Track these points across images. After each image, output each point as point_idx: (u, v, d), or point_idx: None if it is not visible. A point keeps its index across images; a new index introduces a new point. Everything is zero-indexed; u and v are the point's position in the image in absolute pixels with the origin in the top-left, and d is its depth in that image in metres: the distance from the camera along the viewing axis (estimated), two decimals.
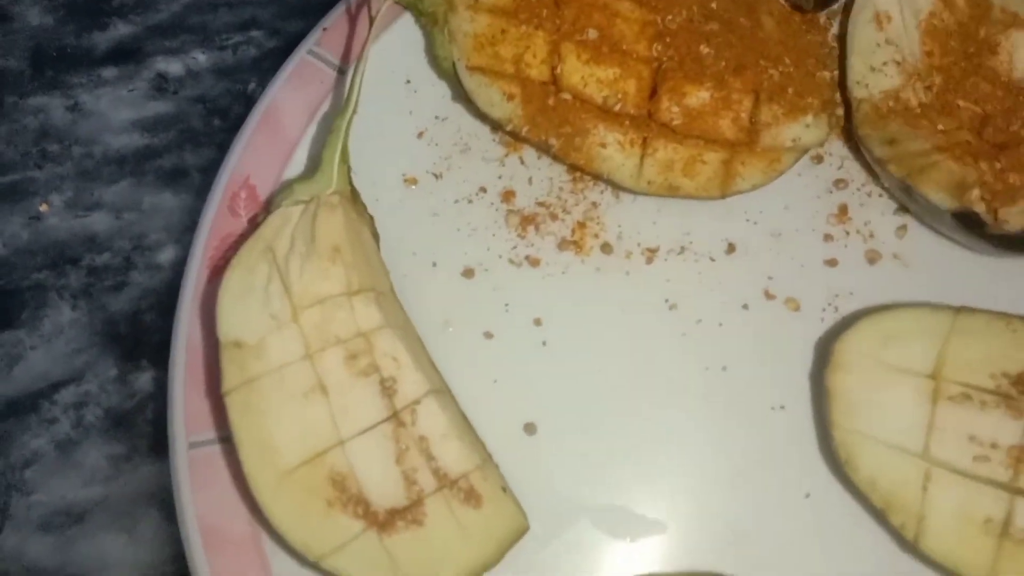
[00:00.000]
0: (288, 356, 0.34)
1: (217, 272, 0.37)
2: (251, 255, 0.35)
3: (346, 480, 0.34)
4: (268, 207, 0.37)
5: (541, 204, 0.41)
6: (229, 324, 0.34)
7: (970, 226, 0.36)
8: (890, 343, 0.35)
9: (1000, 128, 0.37)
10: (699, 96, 0.38)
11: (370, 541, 0.34)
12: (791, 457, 0.38)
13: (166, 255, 0.43)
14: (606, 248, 0.41)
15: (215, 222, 0.38)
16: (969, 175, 0.36)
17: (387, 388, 0.35)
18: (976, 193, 0.35)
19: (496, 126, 0.41)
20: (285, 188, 0.37)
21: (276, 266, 0.35)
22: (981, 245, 0.37)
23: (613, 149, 0.38)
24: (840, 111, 0.40)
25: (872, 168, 0.40)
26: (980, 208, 0.35)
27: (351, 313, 0.35)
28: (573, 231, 0.41)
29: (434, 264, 0.40)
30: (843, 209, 0.41)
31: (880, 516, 0.35)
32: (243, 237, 0.37)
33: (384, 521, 0.34)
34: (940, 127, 0.38)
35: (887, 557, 0.36)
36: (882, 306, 0.37)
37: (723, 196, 0.39)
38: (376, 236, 0.39)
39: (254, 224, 0.38)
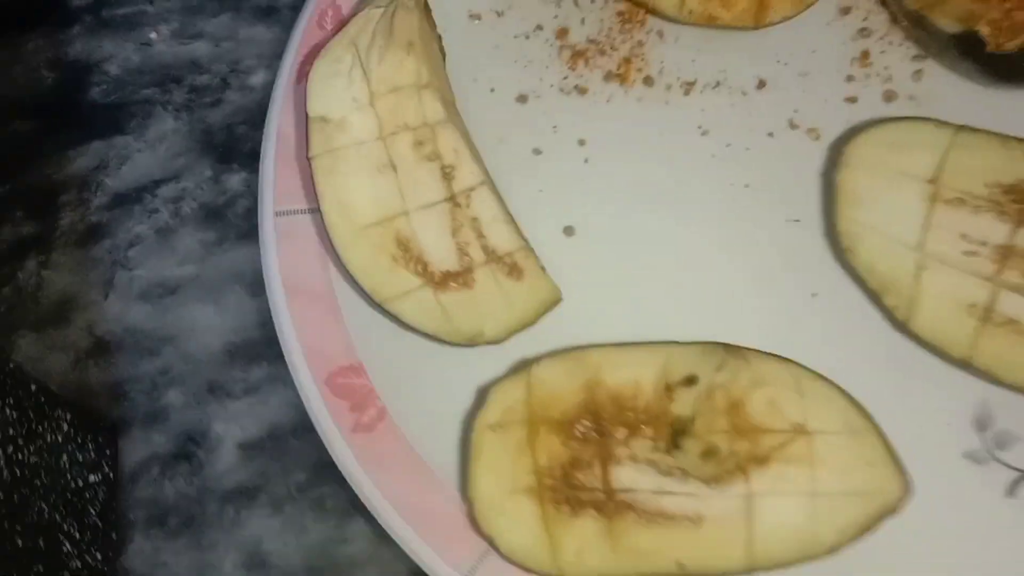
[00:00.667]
0: (365, 135, 0.40)
1: (305, 75, 0.42)
2: (338, 47, 0.40)
3: (409, 243, 0.39)
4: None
5: (591, 41, 0.46)
6: (317, 101, 0.39)
7: (972, 49, 0.40)
8: (896, 149, 0.39)
9: None
10: None
11: (426, 294, 0.39)
12: (801, 263, 0.42)
13: (258, 78, 0.49)
14: (648, 81, 0.45)
15: (305, 34, 0.44)
16: (979, 10, 0.40)
17: (447, 174, 0.41)
18: (983, 23, 0.39)
19: None
20: (366, 1, 0.43)
21: (358, 56, 0.40)
22: (983, 73, 0.41)
23: None
24: None
25: (895, 16, 0.44)
26: (985, 33, 0.39)
27: (420, 105, 0.41)
28: (619, 65, 0.46)
29: (492, 90, 0.46)
30: (865, 54, 0.45)
31: (876, 298, 0.39)
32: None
33: (439, 280, 0.39)
34: None
35: (881, 336, 0.40)
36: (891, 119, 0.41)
37: (756, 26, 0.43)
38: (443, 53, 0.44)
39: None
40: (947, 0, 0.40)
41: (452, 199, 0.40)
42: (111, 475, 0.41)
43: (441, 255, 0.40)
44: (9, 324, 0.44)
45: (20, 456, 0.36)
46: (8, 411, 0.35)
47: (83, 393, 0.43)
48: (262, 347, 0.44)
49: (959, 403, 0.39)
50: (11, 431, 0.35)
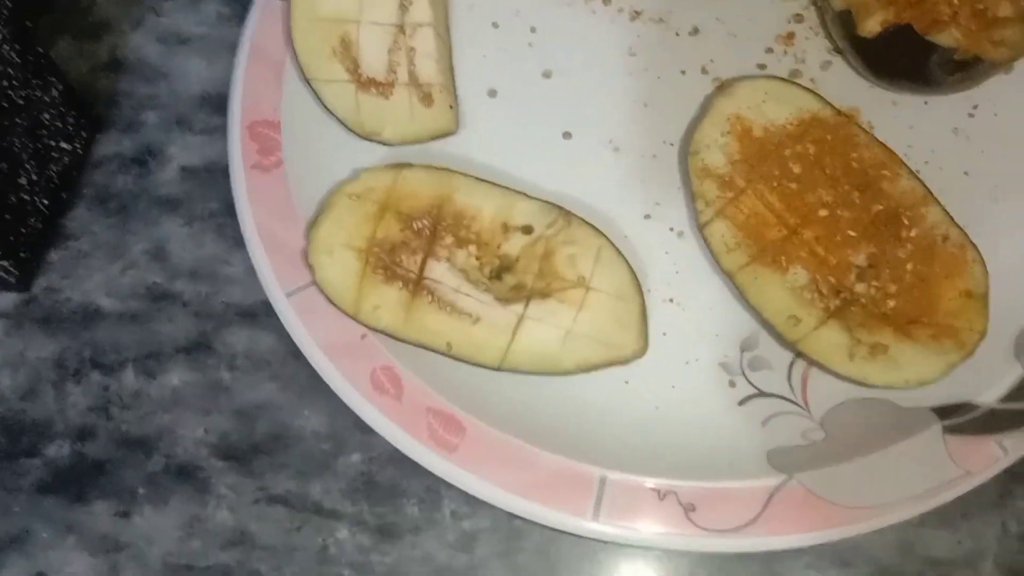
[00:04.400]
0: None
1: None
2: None
3: (351, 45, 0.49)
4: None
5: None
6: None
7: (850, 29, 0.46)
8: (770, 99, 0.46)
9: None
10: None
11: (348, 89, 0.48)
12: (655, 175, 0.49)
13: None
14: (606, 0, 0.53)
15: None
16: (872, 5, 0.46)
17: (404, 5, 0.49)
18: (867, 13, 0.46)
19: None
20: None
21: None
22: (864, 65, 0.48)
23: None
24: None
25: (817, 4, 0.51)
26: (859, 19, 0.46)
27: None
28: None
29: None
30: (790, 36, 0.52)
31: (691, 201, 0.46)
32: None
33: (363, 82, 0.48)
34: None
35: (695, 241, 0.47)
36: None
37: None
38: None
39: None
40: (871, 5, 0.47)
41: (400, 27, 0.49)
42: (79, 151, 0.52)
43: (372, 64, 0.49)
44: (58, 26, 0.56)
45: (11, 93, 0.47)
46: (13, 55, 0.46)
47: (87, 91, 0.54)
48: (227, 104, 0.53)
49: (736, 324, 0.46)
50: (10, 71, 0.46)
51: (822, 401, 0.44)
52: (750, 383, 0.45)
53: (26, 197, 0.49)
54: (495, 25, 0.53)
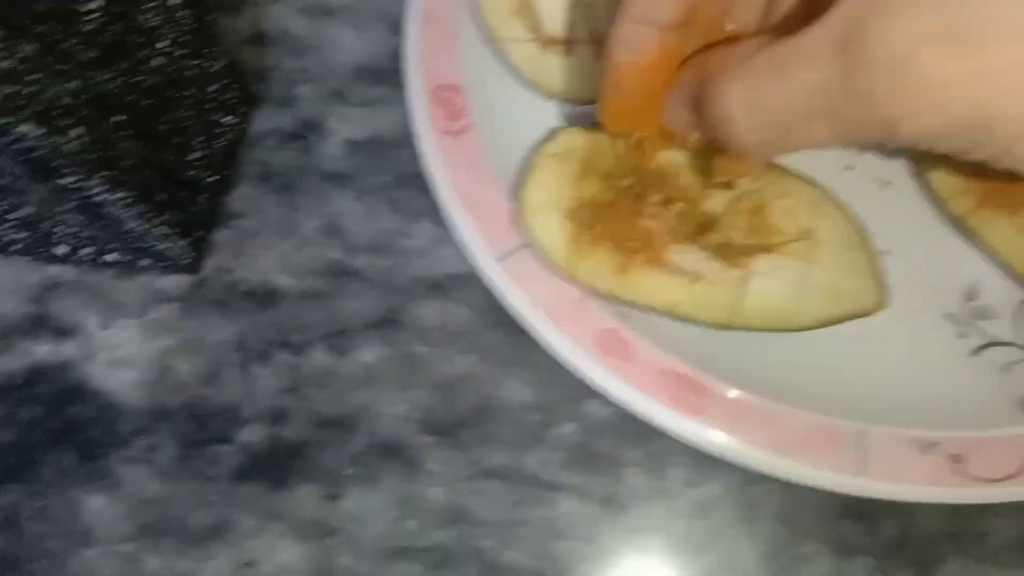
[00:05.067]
0: None
1: None
2: None
3: (530, 4, 0.47)
4: None
5: None
6: None
7: None
8: None
9: None
10: None
11: (532, 47, 0.46)
12: None
13: None
14: None
15: None
16: None
17: None
18: None
19: None
20: None
21: None
22: None
23: None
24: None
25: None
26: None
27: None
28: None
29: None
30: None
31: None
32: None
33: (546, 41, 0.47)
34: None
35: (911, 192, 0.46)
36: None
37: None
38: None
39: None
40: None
41: None
42: (242, 126, 0.50)
43: (553, 23, 0.47)
44: None
45: (184, 63, 0.44)
46: (188, 20, 0.44)
47: (235, 69, 0.51)
48: (386, 74, 0.51)
49: (956, 273, 0.45)
50: (184, 39, 0.44)
51: None
52: (980, 332, 0.43)
53: (196, 173, 0.47)
54: None
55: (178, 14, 0.43)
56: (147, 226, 0.42)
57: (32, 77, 0.34)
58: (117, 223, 0.42)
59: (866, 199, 0.46)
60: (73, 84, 0.36)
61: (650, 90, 0.40)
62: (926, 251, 0.45)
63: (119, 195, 0.40)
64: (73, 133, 0.36)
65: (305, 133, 0.51)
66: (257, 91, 0.52)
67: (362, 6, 0.54)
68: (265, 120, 0.51)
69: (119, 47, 0.39)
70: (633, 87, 0.40)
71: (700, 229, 0.44)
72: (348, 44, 0.53)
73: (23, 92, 0.34)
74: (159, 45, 0.42)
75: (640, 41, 0.39)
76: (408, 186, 0.49)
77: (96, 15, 0.37)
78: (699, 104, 0.38)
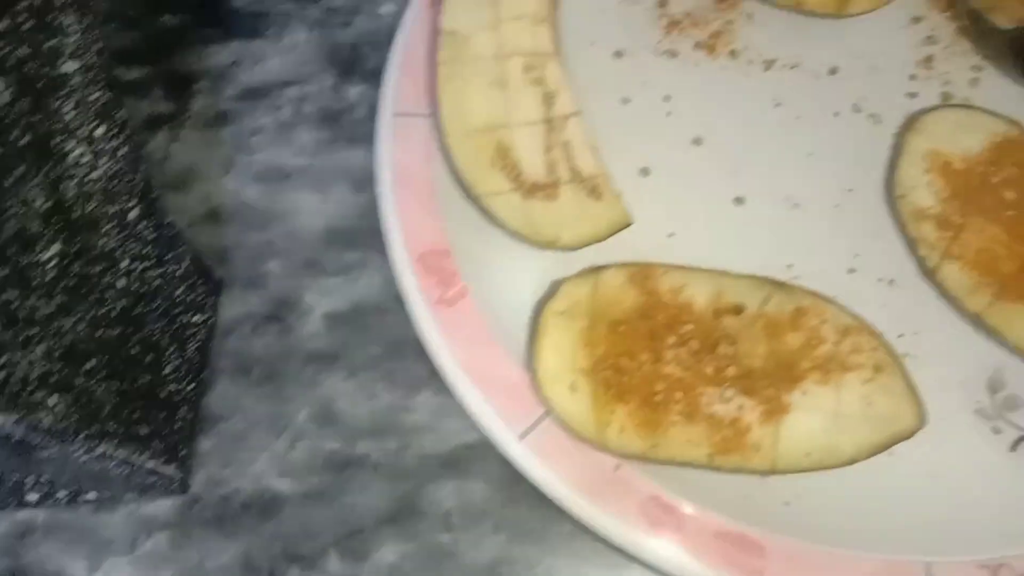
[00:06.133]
0: (486, 52, 0.45)
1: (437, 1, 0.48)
2: None
3: (508, 152, 0.45)
4: None
5: (688, 14, 0.52)
6: (451, 18, 0.45)
7: (1018, 48, 0.45)
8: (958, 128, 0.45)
9: None
10: None
11: (515, 198, 0.44)
12: (850, 222, 0.46)
13: (387, 8, 0.54)
14: (733, 54, 0.51)
15: None
16: None
17: (548, 99, 0.46)
18: None
19: None
20: None
21: None
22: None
23: None
24: None
25: (959, 13, 0.49)
26: None
27: (535, 35, 0.46)
28: (709, 37, 0.51)
29: (592, 43, 0.51)
30: (928, 59, 0.50)
31: (912, 247, 0.44)
32: None
33: (528, 188, 0.44)
34: None
35: (918, 289, 0.44)
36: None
37: (838, 14, 0.49)
38: (556, 3, 0.49)
39: None
40: (1004, 4, 0.46)
41: (549, 122, 0.46)
42: (211, 321, 0.46)
43: (533, 167, 0.45)
44: None
45: (148, 275, 0.41)
46: (148, 231, 0.40)
47: (200, 264, 0.48)
48: (358, 235, 0.49)
49: (976, 366, 0.44)
50: (146, 250, 0.40)
51: None
52: (1014, 425, 0.42)
53: (174, 387, 0.43)
54: (625, 100, 0.50)
55: (139, 226, 0.39)
56: (132, 468, 0.38)
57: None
58: (100, 470, 0.38)
59: (876, 301, 0.45)
60: (42, 348, 0.32)
61: None
62: (946, 349, 0.44)
63: (101, 449, 0.36)
64: (50, 403, 0.32)
65: (281, 313, 0.48)
66: (222, 276, 0.48)
67: (320, 165, 0.51)
68: (236, 305, 0.48)
69: (82, 283, 0.36)
70: None
71: (719, 361, 0.42)
72: (312, 208, 0.50)
73: None
74: (122, 265, 0.38)
75: None
76: (401, 355, 0.46)
77: (55, 261, 0.34)
78: None
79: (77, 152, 0.35)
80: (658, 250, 0.45)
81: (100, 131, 0.36)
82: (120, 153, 0.37)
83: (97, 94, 0.36)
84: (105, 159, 0.37)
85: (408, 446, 0.45)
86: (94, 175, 0.36)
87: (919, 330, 0.44)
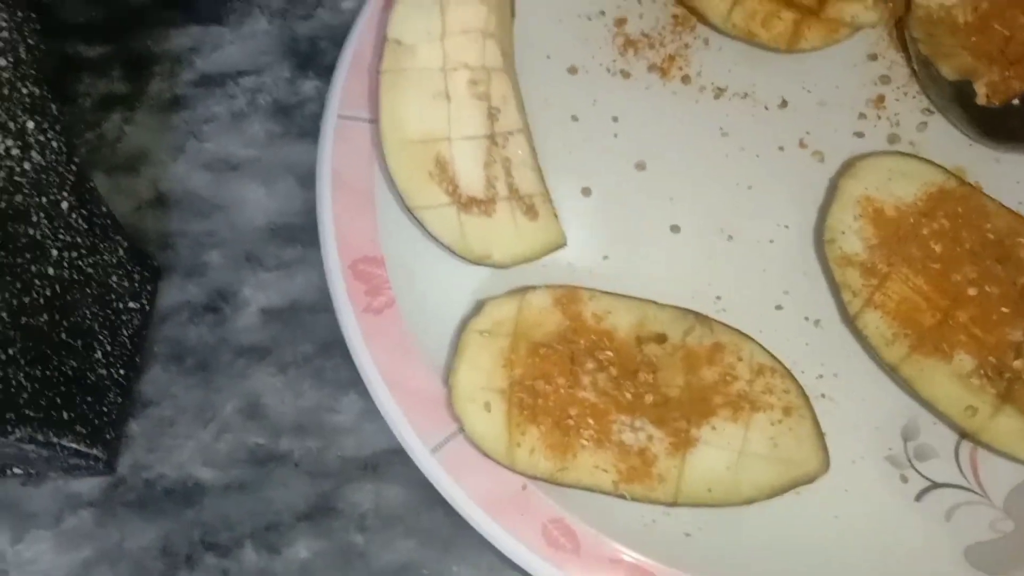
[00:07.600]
0: (430, 64, 0.45)
1: (392, 3, 0.48)
2: None
3: (446, 165, 0.45)
4: None
5: (644, 35, 0.52)
6: (396, 26, 0.45)
7: (965, 99, 0.45)
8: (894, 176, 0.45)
9: (1019, 48, 0.46)
10: None
11: (451, 212, 0.45)
12: (781, 259, 0.47)
13: (349, 3, 0.55)
14: (686, 79, 0.51)
15: None
16: (981, 69, 0.45)
17: (492, 114, 0.46)
18: (981, 80, 0.45)
19: None
20: None
21: None
22: (971, 123, 0.47)
23: None
24: (894, 6, 0.50)
25: (913, 67, 0.50)
26: (979, 88, 0.45)
27: (482, 50, 0.46)
28: (664, 60, 0.51)
29: (547, 56, 0.51)
30: (880, 98, 0.50)
31: (836, 292, 0.45)
32: None
33: (464, 203, 0.45)
34: (973, 39, 0.47)
35: (839, 336, 0.45)
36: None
37: (788, 50, 0.49)
38: (514, 13, 0.50)
39: None
40: (955, 55, 0.46)
41: (491, 137, 0.46)
42: (147, 308, 0.47)
43: (471, 182, 0.45)
44: (88, 164, 0.50)
45: (80, 263, 0.41)
46: (80, 221, 0.41)
47: (137, 236, 0.48)
48: (299, 232, 0.49)
49: (891, 412, 0.44)
50: (78, 239, 0.41)
51: (998, 482, 0.43)
52: (921, 475, 0.43)
53: (103, 372, 0.44)
54: (575, 118, 0.50)
55: (71, 217, 0.40)
56: (52, 451, 0.39)
57: None
58: (20, 451, 0.39)
59: (800, 339, 0.45)
60: None
61: None
62: (864, 393, 0.45)
63: (16, 435, 0.37)
64: None
65: (218, 304, 0.48)
66: (162, 262, 0.49)
67: (268, 158, 0.51)
68: (174, 293, 0.49)
69: (5, 271, 0.36)
70: None
71: (637, 388, 0.43)
72: (257, 201, 0.51)
73: None
74: (52, 254, 0.39)
75: None
76: (331, 354, 0.47)
77: None
78: None
79: (6, 145, 0.36)
80: (592, 271, 0.46)
81: (31, 125, 0.37)
82: (52, 146, 0.38)
83: (28, 89, 0.36)
84: (35, 152, 0.37)
85: (330, 446, 0.46)
86: (24, 166, 0.37)
87: (839, 372, 0.45)
